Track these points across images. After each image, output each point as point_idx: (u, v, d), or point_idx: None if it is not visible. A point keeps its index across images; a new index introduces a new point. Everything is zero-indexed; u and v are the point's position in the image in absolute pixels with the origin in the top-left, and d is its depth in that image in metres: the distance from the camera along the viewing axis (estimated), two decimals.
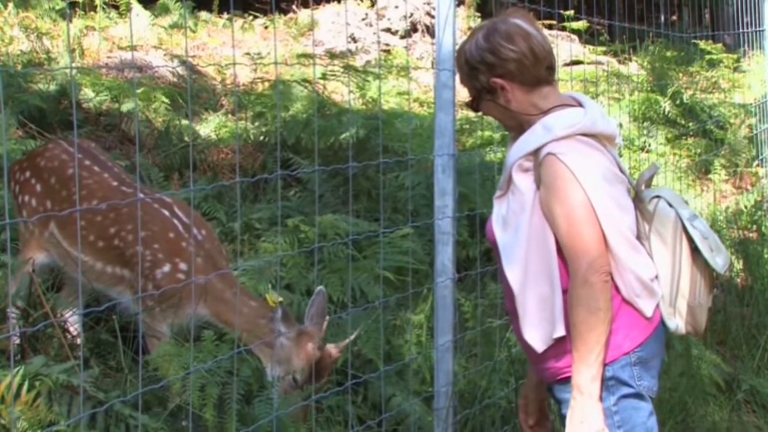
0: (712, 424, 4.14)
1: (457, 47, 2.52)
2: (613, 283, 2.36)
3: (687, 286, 2.46)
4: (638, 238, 2.47)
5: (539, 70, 2.41)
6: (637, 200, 2.51)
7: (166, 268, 3.35)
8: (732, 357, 4.87)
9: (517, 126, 2.48)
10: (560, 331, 2.38)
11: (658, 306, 2.45)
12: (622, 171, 2.49)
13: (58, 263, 3.65)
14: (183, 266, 3.33)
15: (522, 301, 2.42)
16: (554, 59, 2.45)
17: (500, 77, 2.40)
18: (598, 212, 2.33)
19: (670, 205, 2.49)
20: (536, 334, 2.42)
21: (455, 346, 3.34)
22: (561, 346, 2.41)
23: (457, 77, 3.20)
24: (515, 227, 2.41)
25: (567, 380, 2.42)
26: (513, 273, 2.40)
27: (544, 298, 2.39)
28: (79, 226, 3.41)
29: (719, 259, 2.48)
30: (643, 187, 2.54)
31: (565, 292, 2.38)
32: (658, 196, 2.50)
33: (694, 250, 2.47)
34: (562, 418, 2.48)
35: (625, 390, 2.41)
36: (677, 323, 2.47)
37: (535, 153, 2.38)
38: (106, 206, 3.30)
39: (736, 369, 4.69)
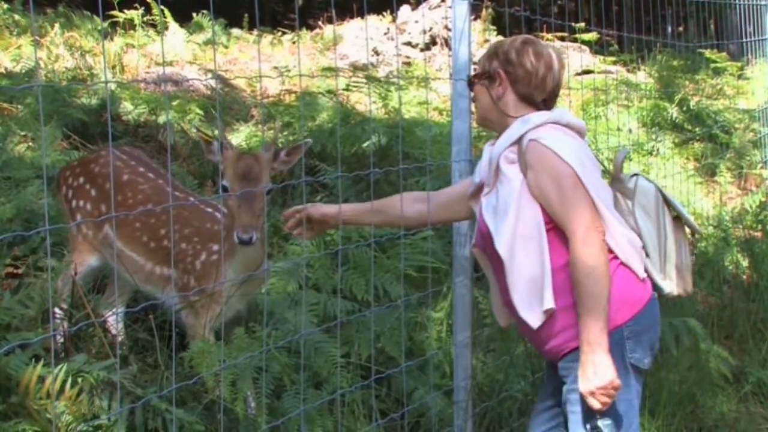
0: (721, 414, 4.09)
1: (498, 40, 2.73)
2: (608, 246, 2.42)
3: (673, 249, 2.58)
4: (622, 215, 2.55)
5: (536, 94, 2.58)
6: (616, 182, 2.60)
7: (203, 256, 3.29)
8: (739, 350, 4.81)
9: (495, 123, 2.63)
10: (548, 303, 2.40)
11: (647, 278, 2.52)
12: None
13: (109, 264, 3.60)
14: (215, 247, 3.26)
15: (512, 280, 2.44)
16: (555, 96, 2.62)
17: (506, 72, 2.58)
18: (584, 180, 2.42)
19: (649, 181, 2.63)
20: (530, 311, 2.44)
21: (473, 342, 3.31)
22: (557, 324, 2.43)
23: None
24: (504, 211, 2.46)
25: (569, 354, 2.44)
26: (504, 250, 2.44)
27: (535, 275, 2.42)
28: (114, 228, 3.41)
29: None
30: (620, 169, 2.63)
31: (558, 269, 2.41)
32: (635, 175, 2.63)
33: (674, 218, 2.62)
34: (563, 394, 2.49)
35: (615, 363, 2.38)
36: (670, 286, 2.57)
37: (518, 143, 2.49)
38: (140, 210, 3.28)
39: (743, 362, 4.63)
